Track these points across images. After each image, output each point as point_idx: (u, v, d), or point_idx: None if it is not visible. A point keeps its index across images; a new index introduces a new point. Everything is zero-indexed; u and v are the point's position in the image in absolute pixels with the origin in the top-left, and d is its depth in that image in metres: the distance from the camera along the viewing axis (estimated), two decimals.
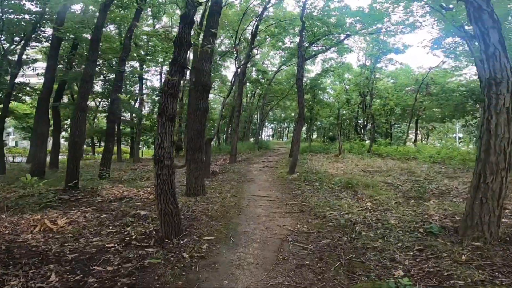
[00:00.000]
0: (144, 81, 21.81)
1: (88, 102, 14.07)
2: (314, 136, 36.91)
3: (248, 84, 28.61)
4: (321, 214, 4.59)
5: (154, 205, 5.36)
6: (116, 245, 3.41)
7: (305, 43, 13.89)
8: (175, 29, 23.22)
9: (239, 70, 13.83)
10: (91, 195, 6.12)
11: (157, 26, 20.31)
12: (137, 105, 20.21)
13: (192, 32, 4.54)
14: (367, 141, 21.30)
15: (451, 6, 6.86)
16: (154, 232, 3.78)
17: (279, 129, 50.11)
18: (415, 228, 3.70)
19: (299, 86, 10.43)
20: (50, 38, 11.57)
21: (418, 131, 25.81)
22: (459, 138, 33.71)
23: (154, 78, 23.76)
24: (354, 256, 3.05)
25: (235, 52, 14.78)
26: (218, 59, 23.18)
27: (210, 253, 3.22)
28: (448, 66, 19.02)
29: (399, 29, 14.18)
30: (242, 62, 14.30)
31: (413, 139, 29.22)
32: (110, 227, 4.09)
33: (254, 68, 24.42)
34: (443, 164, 11.86)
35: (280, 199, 5.86)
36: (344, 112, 27.27)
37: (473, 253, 2.93)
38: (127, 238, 3.61)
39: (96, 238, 3.70)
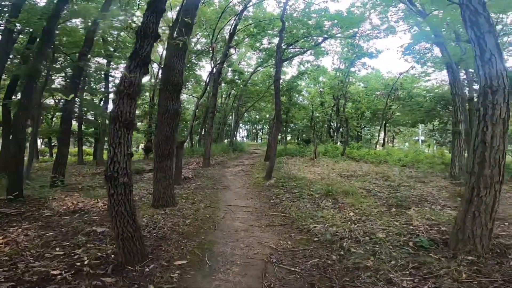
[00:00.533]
0: (112, 78, 20.30)
1: (45, 100, 12.56)
2: (288, 138, 37.19)
3: (223, 84, 28.05)
4: (304, 227, 4.25)
5: None
6: (63, 272, 2.77)
7: (283, 44, 13.79)
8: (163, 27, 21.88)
9: (214, 69, 13.24)
10: (37, 207, 5.22)
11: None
12: (101, 103, 18.67)
13: (162, 24, 3.96)
14: (339, 143, 21.78)
15: (427, 12, 6.99)
16: (112, 255, 3.15)
17: (254, 131, 49.90)
18: (404, 242, 3.49)
19: (276, 88, 10.14)
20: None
21: (386, 134, 27.05)
22: (422, 141, 36.04)
23: None
24: (347, 279, 2.72)
25: (211, 50, 14.16)
26: (193, 58, 22.36)
27: (183, 283, 2.70)
28: (416, 72, 20.15)
29: (374, 34, 14.64)
30: (218, 61, 13.74)
31: (381, 142, 30.69)
32: (57, 249, 3.39)
33: (230, 69, 23.85)
34: (412, 168, 12.30)
35: (258, 209, 5.44)
36: (318, 114, 27.73)
37: (470, 269, 2.74)
38: (78, 263, 2.97)
39: (39, 262, 3.02)
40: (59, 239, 3.75)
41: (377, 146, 26.61)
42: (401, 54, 15.02)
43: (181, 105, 22.03)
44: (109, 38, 16.25)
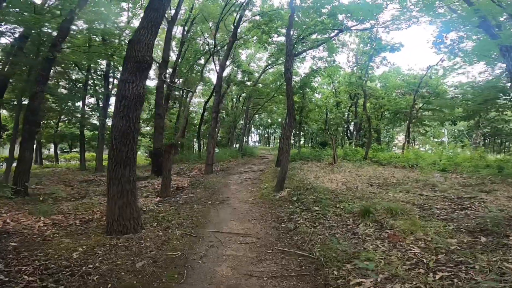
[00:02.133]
0: (113, 80, 19.22)
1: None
2: (301, 142, 35.08)
3: (233, 87, 26.66)
4: (338, 282, 2.37)
5: (38, 250, 3.01)
6: None
7: (294, 37, 12.07)
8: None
9: (214, 58, 11.63)
10: None
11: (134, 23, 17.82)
12: (100, 106, 17.53)
13: None
14: (353, 146, 19.48)
15: None
16: None
17: (266, 135, 48.08)
18: None
19: (287, 79, 8.28)
20: None
21: (409, 136, 24.44)
22: (448, 142, 33.02)
23: None
24: None
25: (213, 38, 12.65)
26: (200, 59, 21.10)
27: None
28: (440, 67, 17.81)
29: (394, 26, 12.67)
30: (218, 51, 12.17)
31: (402, 144, 28.08)
32: None
33: (239, 70, 22.42)
34: (455, 173, 10.07)
35: (262, 239, 3.57)
36: (331, 116, 25.64)
37: None
38: None
39: None
40: None
41: (399, 148, 24.07)
42: (432, 43, 12.89)
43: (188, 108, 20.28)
44: (114, 40, 14.86)
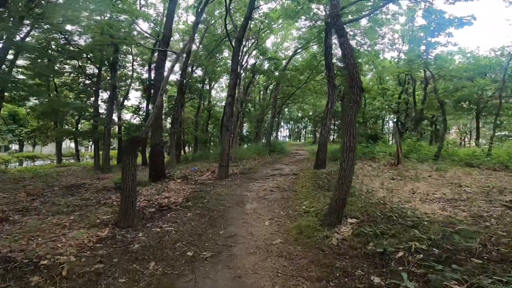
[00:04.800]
0: (122, 69, 17.25)
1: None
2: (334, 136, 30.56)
3: (259, 78, 23.78)
4: None
5: None
6: None
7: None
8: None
9: (229, 28, 8.60)
10: None
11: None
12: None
13: None
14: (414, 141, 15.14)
15: None
16: None
17: (296, 130, 44.29)
18: None
19: (339, 28, 4.96)
20: None
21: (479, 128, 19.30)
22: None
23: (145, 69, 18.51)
24: None
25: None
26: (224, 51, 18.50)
27: None
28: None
29: None
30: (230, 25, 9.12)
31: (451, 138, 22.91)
32: None
33: (264, 58, 19.31)
34: None
35: None
36: (370, 108, 21.32)
37: None
38: None
39: None
40: None
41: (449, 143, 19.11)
42: None
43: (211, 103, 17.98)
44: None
